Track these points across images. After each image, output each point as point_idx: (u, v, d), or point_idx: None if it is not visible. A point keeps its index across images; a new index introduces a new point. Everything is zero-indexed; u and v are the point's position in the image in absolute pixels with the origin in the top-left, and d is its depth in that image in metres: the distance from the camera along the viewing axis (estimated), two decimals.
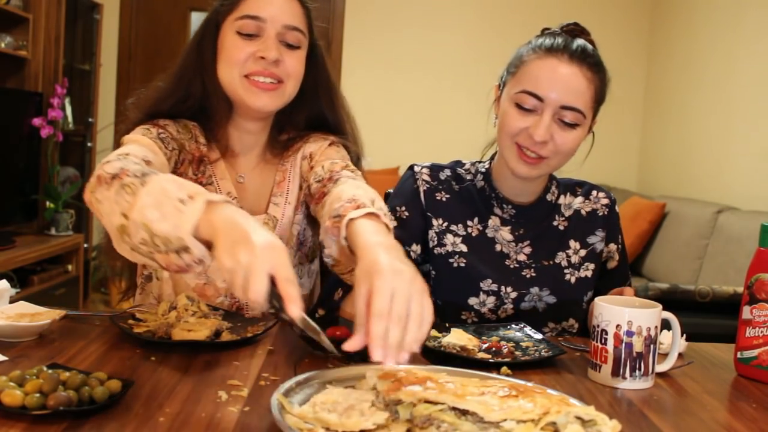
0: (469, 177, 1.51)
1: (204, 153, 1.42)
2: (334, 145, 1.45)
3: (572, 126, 1.34)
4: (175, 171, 1.37)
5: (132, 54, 5.06)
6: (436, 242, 1.44)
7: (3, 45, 3.65)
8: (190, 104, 1.41)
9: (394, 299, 0.86)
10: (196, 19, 5.05)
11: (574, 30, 1.40)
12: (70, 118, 4.28)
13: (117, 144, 1.33)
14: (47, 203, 3.88)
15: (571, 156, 1.40)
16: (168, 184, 1.02)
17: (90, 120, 4.50)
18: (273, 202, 1.44)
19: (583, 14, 5.16)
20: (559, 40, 1.36)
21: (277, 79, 1.35)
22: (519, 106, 1.35)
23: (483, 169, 1.50)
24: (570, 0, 5.01)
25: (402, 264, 0.92)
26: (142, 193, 1.01)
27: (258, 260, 0.89)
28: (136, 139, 1.28)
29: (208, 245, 0.97)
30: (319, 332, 0.95)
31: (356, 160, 1.48)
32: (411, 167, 1.52)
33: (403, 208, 1.46)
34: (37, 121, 3.70)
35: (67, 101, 4.16)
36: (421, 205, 1.46)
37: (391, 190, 1.56)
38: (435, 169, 1.51)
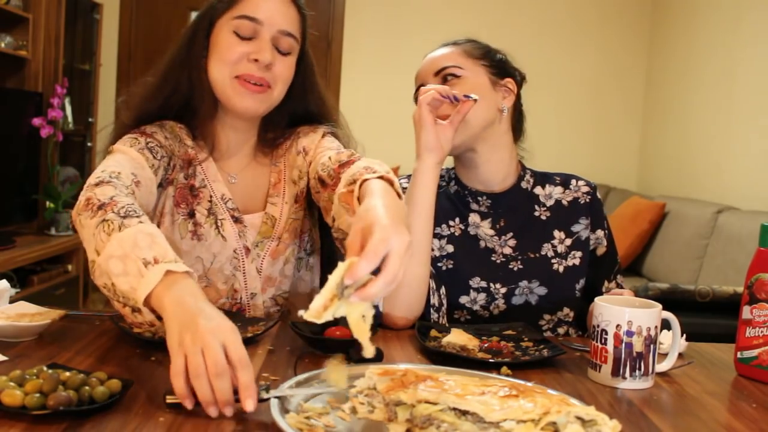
0: (443, 183, 1.54)
1: (192, 156, 1.41)
2: (327, 136, 1.45)
3: (455, 77, 1.44)
4: (166, 177, 1.37)
5: (132, 54, 5.06)
6: None
7: (3, 45, 3.65)
8: (176, 100, 1.40)
9: (388, 256, 0.86)
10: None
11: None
12: (70, 118, 4.28)
13: (106, 150, 1.35)
14: (47, 203, 3.88)
15: (480, 106, 1.41)
16: (141, 236, 1.02)
17: (90, 120, 4.50)
18: (270, 201, 1.44)
19: (584, 15, 5.17)
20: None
21: (266, 84, 1.35)
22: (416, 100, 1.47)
23: (454, 175, 1.54)
24: (570, 2, 5.01)
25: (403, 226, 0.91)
26: (114, 240, 1.01)
27: (208, 336, 0.88)
28: (124, 150, 1.28)
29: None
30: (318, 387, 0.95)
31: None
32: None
33: None
34: (37, 121, 3.70)
35: (67, 101, 4.16)
36: None
37: None
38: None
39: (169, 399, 0.88)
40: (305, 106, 1.48)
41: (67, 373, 0.89)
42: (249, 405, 0.85)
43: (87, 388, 0.86)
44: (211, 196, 1.40)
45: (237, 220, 1.40)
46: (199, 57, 1.37)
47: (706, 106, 4.26)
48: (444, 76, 1.45)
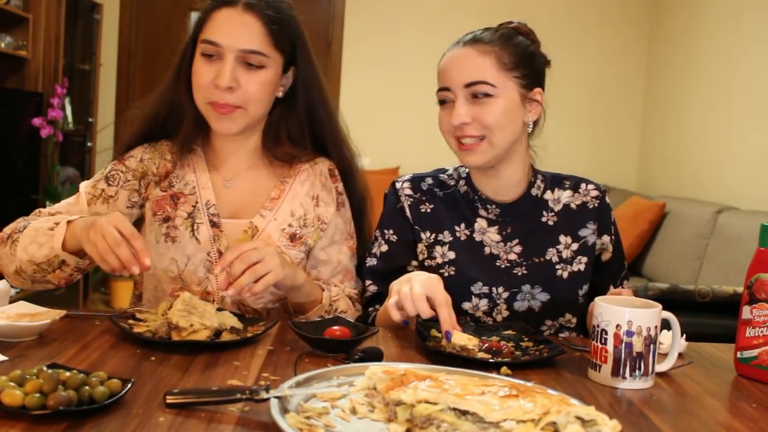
0: (452, 182, 1.52)
1: (169, 169, 1.46)
2: (341, 209, 1.50)
3: (487, 96, 1.36)
4: (140, 195, 1.46)
5: (132, 54, 5.06)
6: (426, 255, 1.46)
7: (3, 45, 3.66)
8: (171, 119, 1.46)
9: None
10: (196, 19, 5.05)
11: (506, 26, 1.47)
12: (70, 118, 4.28)
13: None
14: (47, 203, 3.88)
15: (508, 128, 1.38)
16: (38, 223, 1.32)
17: (90, 120, 4.50)
18: (261, 213, 1.44)
19: (584, 15, 5.17)
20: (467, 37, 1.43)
21: (233, 106, 1.36)
22: (441, 102, 1.43)
23: (464, 174, 1.51)
24: (570, 2, 5.01)
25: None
26: (21, 238, 1.31)
27: (103, 224, 1.16)
28: (80, 191, 1.47)
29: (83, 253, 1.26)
30: None
31: (361, 199, 1.56)
32: (393, 183, 1.54)
33: (391, 231, 1.49)
34: (37, 121, 3.70)
35: (67, 101, 4.16)
36: (409, 221, 1.48)
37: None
38: (416, 181, 1.52)
39: (169, 399, 0.88)
40: (312, 117, 1.48)
41: (67, 373, 0.89)
42: (147, 262, 1.16)
43: (87, 388, 0.86)
44: (196, 202, 1.43)
45: (215, 225, 1.42)
46: (185, 77, 1.41)
47: (706, 106, 4.26)
48: (474, 93, 1.37)
